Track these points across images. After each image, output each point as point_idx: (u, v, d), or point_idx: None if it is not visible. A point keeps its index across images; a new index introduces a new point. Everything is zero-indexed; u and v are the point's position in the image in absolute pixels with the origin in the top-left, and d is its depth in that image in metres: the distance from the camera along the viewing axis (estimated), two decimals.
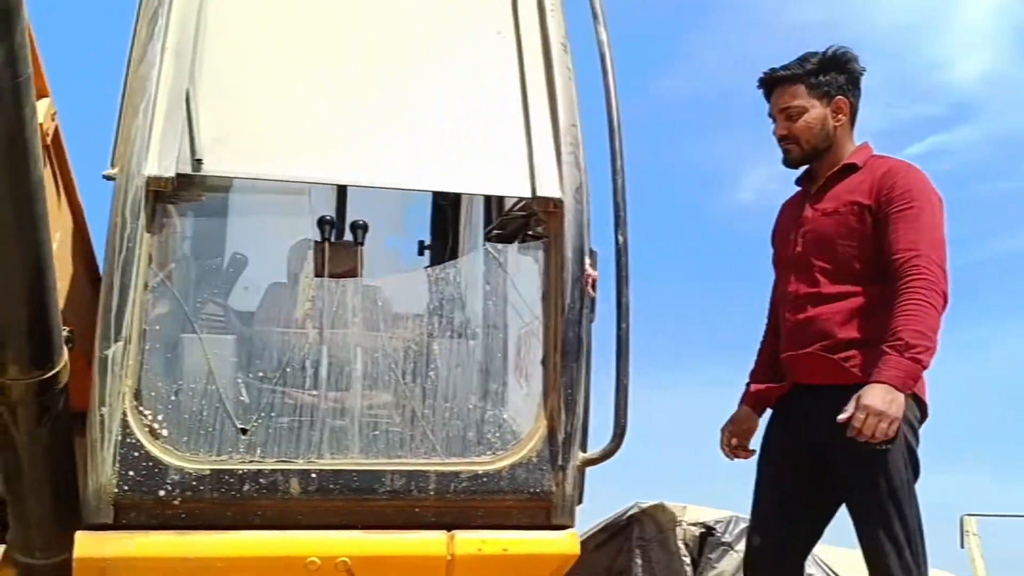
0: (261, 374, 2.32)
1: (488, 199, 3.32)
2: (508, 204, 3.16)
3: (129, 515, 2.18)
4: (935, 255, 2.83)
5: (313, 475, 2.25)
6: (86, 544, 2.14)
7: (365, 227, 2.80)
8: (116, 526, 2.17)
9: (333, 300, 2.41)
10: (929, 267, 2.79)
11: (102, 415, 2.17)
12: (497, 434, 2.39)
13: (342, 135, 2.48)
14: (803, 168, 3.17)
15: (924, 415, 2.90)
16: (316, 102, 2.52)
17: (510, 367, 2.50)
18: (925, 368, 2.77)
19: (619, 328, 2.48)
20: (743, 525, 5.88)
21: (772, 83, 3.16)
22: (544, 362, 2.42)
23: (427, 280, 2.50)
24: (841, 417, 2.68)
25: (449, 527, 2.30)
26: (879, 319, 2.82)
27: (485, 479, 2.32)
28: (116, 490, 2.17)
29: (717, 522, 5.73)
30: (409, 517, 2.30)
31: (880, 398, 2.66)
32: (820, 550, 6.21)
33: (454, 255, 3.63)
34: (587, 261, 2.47)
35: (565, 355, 2.38)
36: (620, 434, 2.43)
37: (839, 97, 3.10)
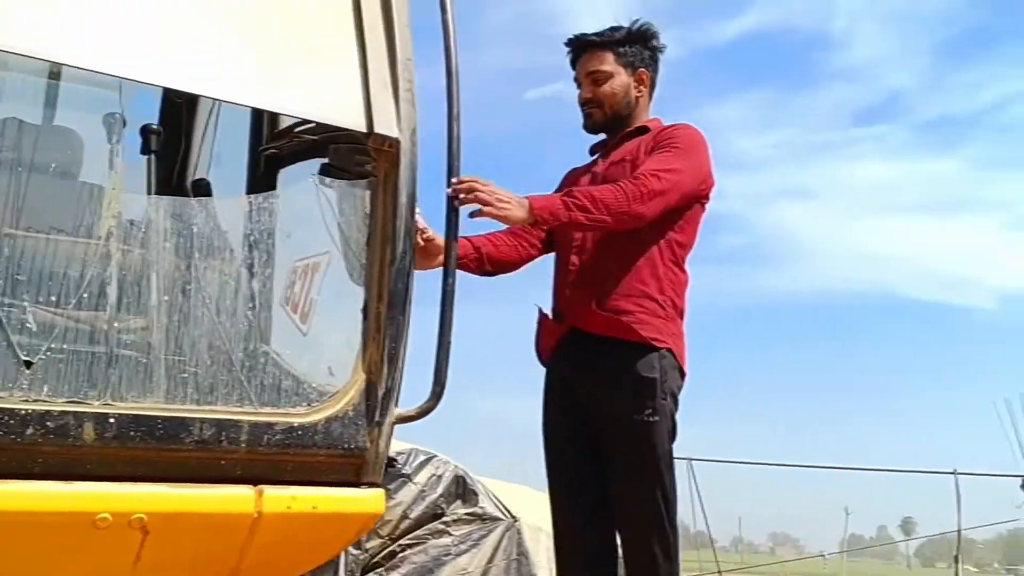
0: (53, 298, 1.99)
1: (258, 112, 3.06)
2: (286, 122, 2.96)
3: None
4: (663, 175, 2.93)
5: (111, 420, 1.96)
6: None
7: (159, 133, 2.48)
8: None
9: (140, 217, 2.12)
10: (644, 180, 2.91)
11: None
12: (313, 384, 2.24)
13: (157, 34, 2.16)
14: (599, 138, 3.26)
15: (683, 381, 3.04)
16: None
17: (328, 313, 2.35)
18: (561, 221, 2.85)
19: (445, 283, 2.43)
20: (422, 458, 6.09)
21: (581, 47, 3.20)
22: (365, 311, 2.29)
23: (247, 208, 2.27)
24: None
25: (256, 482, 2.12)
26: (655, 274, 2.98)
27: (300, 432, 2.16)
28: None
29: (398, 454, 5.87)
30: (215, 470, 2.07)
31: (510, 197, 2.76)
32: (493, 485, 6.59)
33: (186, 157, 3.29)
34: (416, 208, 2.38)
35: (391, 306, 2.27)
36: (439, 392, 2.37)
37: (642, 69, 3.21)
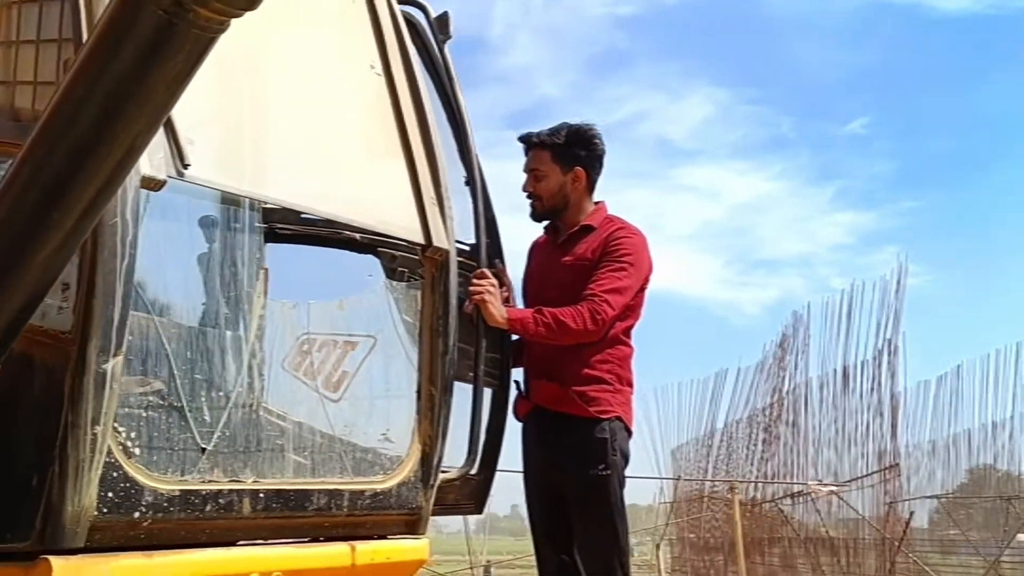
0: (221, 394, 2.34)
1: None
2: None
3: (100, 537, 2.09)
4: (612, 300, 3.61)
5: (260, 494, 2.37)
6: (64, 571, 2.00)
7: None
8: (87, 549, 2.06)
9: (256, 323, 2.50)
10: (599, 305, 3.58)
11: (95, 434, 2.03)
12: (388, 457, 2.73)
13: (283, 160, 2.55)
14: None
15: (630, 436, 3.77)
16: (244, 124, 2.53)
17: (392, 394, 2.83)
18: (528, 333, 3.55)
19: (475, 368, 2.98)
20: None
21: (528, 145, 3.82)
22: (419, 393, 2.81)
23: (341, 309, 2.70)
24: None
25: (349, 539, 2.59)
26: (605, 358, 3.65)
27: (381, 497, 2.66)
28: (96, 512, 2.06)
29: None
30: (324, 531, 2.54)
31: (496, 307, 3.39)
32: None
33: None
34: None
35: (443, 390, 2.81)
36: (474, 458, 2.94)
37: (578, 168, 3.82)
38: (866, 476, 14.54)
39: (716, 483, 19.26)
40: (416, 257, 2.84)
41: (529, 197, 3.86)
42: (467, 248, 3.36)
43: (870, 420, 14.70)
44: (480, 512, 3.36)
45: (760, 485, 18.54)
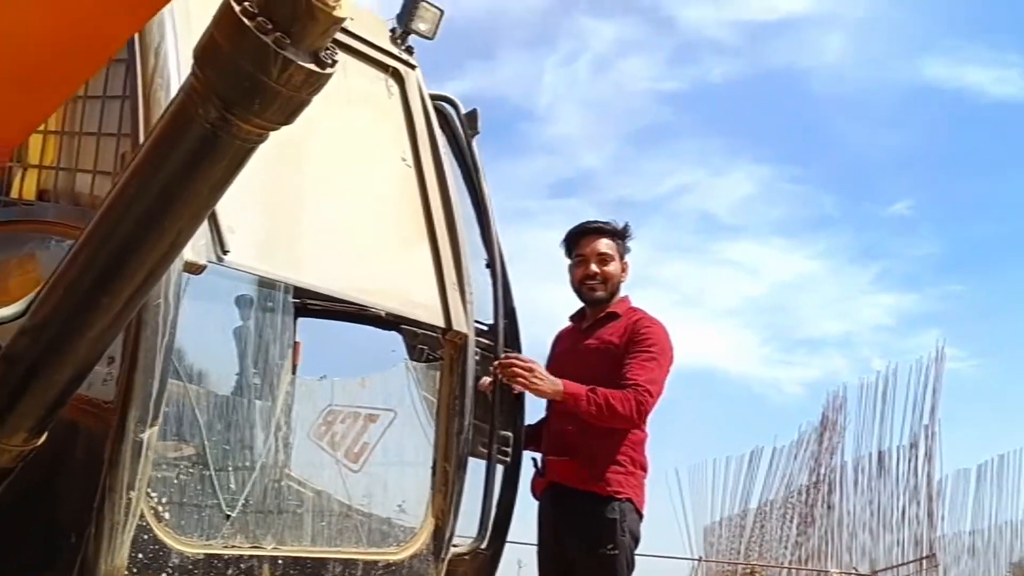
0: (247, 463, 2.52)
1: None
2: None
3: None
4: (652, 388, 3.79)
5: (280, 561, 2.53)
6: None
7: None
8: None
9: (284, 395, 2.69)
10: (642, 396, 3.75)
11: (129, 499, 2.22)
12: (402, 528, 2.89)
13: (316, 245, 2.77)
14: (579, 308, 4.08)
15: (641, 520, 3.90)
16: (280, 210, 2.76)
17: (406, 469, 3.00)
18: (579, 409, 3.67)
19: (489, 446, 3.15)
20: None
21: (590, 232, 4.02)
22: (434, 468, 2.97)
23: (363, 386, 2.89)
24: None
25: None
26: (621, 443, 3.81)
27: (393, 568, 2.81)
28: (127, 572, 2.23)
29: None
30: None
31: (552, 383, 3.60)
32: None
33: None
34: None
35: (459, 467, 2.98)
36: (485, 533, 3.09)
37: (626, 260, 4.07)
38: (902, 565, 14.34)
39: (744, 565, 19.03)
40: (437, 337, 3.02)
41: (591, 280, 4.03)
42: (485, 328, 3.54)
43: (906, 506, 14.53)
44: None
45: (795, 572, 18.32)
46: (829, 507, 17.10)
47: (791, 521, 18.94)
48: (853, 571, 14.50)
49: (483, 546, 3.39)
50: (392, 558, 2.81)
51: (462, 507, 3.02)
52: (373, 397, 2.92)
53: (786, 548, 18.82)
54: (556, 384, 3.62)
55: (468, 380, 3.03)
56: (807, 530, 17.92)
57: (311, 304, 3.28)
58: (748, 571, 11.04)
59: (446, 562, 2.96)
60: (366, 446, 2.85)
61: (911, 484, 14.53)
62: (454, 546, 3.05)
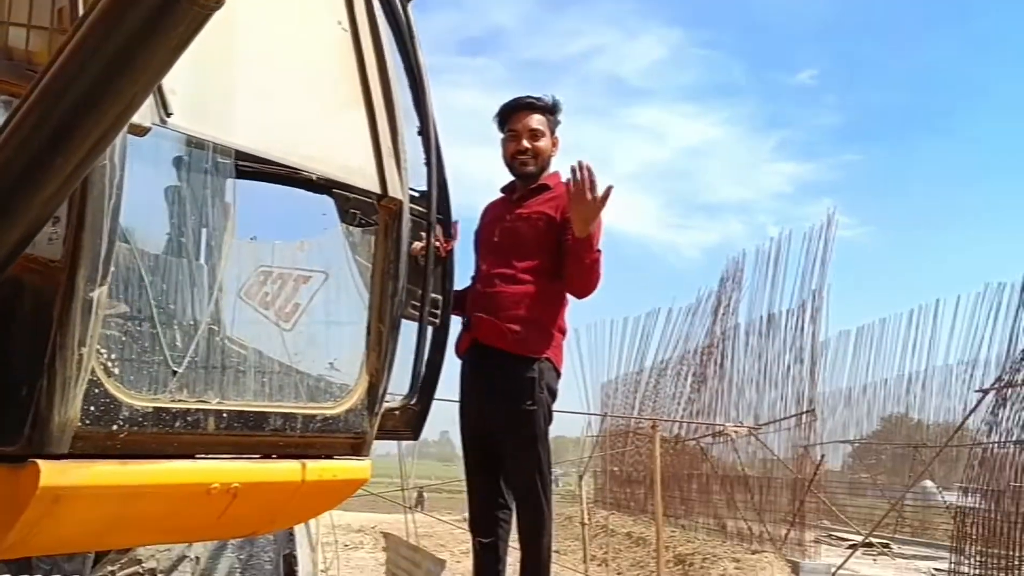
0: (190, 322, 2.58)
1: None
2: None
3: (82, 445, 2.33)
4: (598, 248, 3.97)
5: (224, 414, 2.62)
6: (51, 473, 2.25)
7: None
8: (69, 456, 2.30)
9: (223, 256, 2.73)
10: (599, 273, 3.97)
11: (80, 355, 2.27)
12: (338, 385, 2.99)
13: (252, 109, 2.77)
14: (510, 181, 4.16)
15: (559, 378, 4.14)
16: (216, 74, 2.73)
17: (342, 329, 3.09)
18: (589, 249, 3.91)
19: (422, 307, 3.25)
20: None
21: (522, 107, 4.11)
22: (368, 329, 3.07)
23: (302, 249, 2.94)
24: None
25: (301, 457, 2.87)
26: (545, 305, 3.96)
27: (330, 421, 2.93)
28: (79, 423, 2.30)
29: None
30: (279, 450, 2.81)
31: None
32: None
33: None
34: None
35: (392, 328, 3.08)
36: (415, 390, 3.23)
37: (556, 136, 4.19)
38: (783, 419, 15.18)
39: (641, 420, 19.93)
40: (371, 203, 3.08)
41: (522, 155, 4.14)
42: (417, 195, 3.61)
43: (791, 365, 15.29)
44: (417, 439, 3.66)
45: (686, 425, 19.23)
46: (721, 366, 17.93)
47: (685, 379, 19.83)
48: (739, 424, 15.30)
49: (413, 402, 3.54)
50: (329, 412, 2.93)
51: (395, 366, 3.14)
52: (307, 260, 2.98)
53: (678, 404, 19.75)
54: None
55: (402, 245, 3.11)
56: (699, 388, 18.79)
57: (246, 167, 3.30)
58: (651, 424, 11.60)
59: (379, 416, 3.09)
60: (298, 307, 2.92)
61: (797, 344, 15.24)
62: (386, 402, 3.18)
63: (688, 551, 14.80)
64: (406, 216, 3.13)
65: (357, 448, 3.05)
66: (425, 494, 31.06)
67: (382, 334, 3.07)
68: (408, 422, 3.59)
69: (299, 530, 6.34)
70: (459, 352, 4.19)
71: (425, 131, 3.38)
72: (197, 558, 5.77)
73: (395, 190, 3.08)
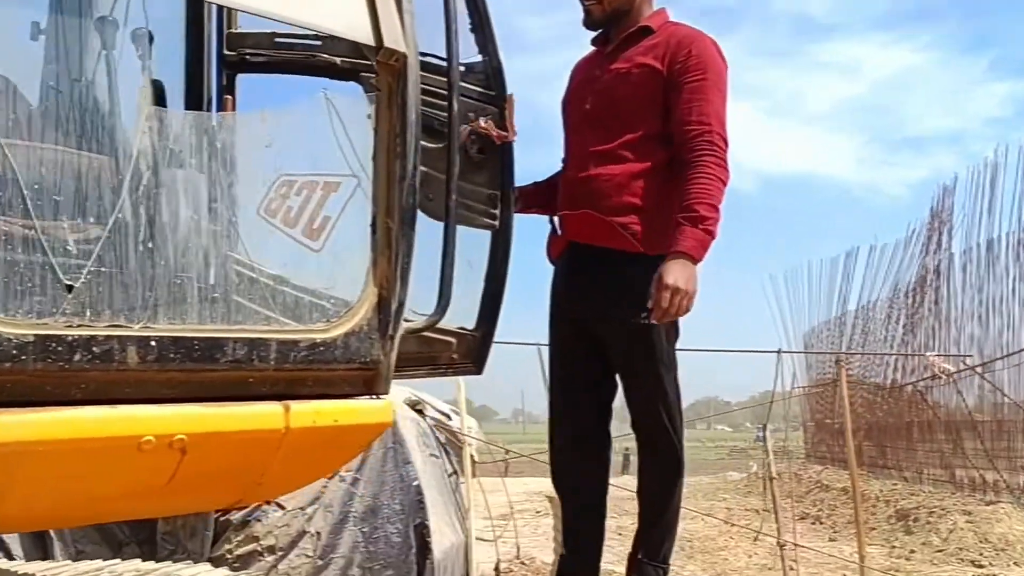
0: (91, 220, 1.91)
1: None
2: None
3: None
4: (723, 130, 3.01)
5: (152, 343, 1.94)
6: None
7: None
8: None
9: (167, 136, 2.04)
10: (719, 143, 2.97)
11: None
12: (331, 301, 2.27)
13: None
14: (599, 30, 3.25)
15: None
16: None
17: (340, 230, 2.36)
18: (714, 238, 2.95)
19: (447, 198, 2.48)
20: None
21: None
22: (374, 226, 2.32)
23: (260, 122, 2.23)
24: (649, 306, 2.87)
25: (282, 397, 2.16)
26: (659, 186, 3.03)
27: (321, 348, 2.20)
28: None
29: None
30: (245, 388, 2.10)
31: (680, 275, 2.86)
32: None
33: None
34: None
35: (401, 222, 2.31)
36: (445, 305, 2.46)
37: None
38: (1012, 355, 13.44)
39: (851, 364, 18.35)
40: (365, 61, 2.32)
41: (587, 1, 3.18)
42: (464, 68, 2.85)
43: (1017, 290, 13.53)
44: (480, 372, 2.87)
45: (902, 368, 17.59)
46: (936, 303, 16.21)
47: (896, 321, 18.12)
48: (955, 356, 13.70)
49: (473, 327, 2.79)
50: (320, 336, 2.19)
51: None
52: (278, 133, 2.26)
53: (890, 347, 18.07)
54: (685, 268, 2.90)
55: (410, 112, 2.32)
56: (914, 329, 17.10)
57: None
58: (835, 360, 10.35)
59: (395, 339, 2.33)
60: (269, 195, 2.21)
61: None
62: (408, 320, 2.42)
63: (912, 504, 13.38)
64: (413, 74, 2.33)
65: (369, 383, 2.31)
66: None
67: (391, 232, 2.30)
68: (468, 352, 2.83)
69: (434, 495, 5.74)
70: (551, 257, 3.36)
71: None
72: (318, 533, 5.26)
73: (395, 40, 2.30)
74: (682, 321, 3.12)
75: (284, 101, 3.16)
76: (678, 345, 3.22)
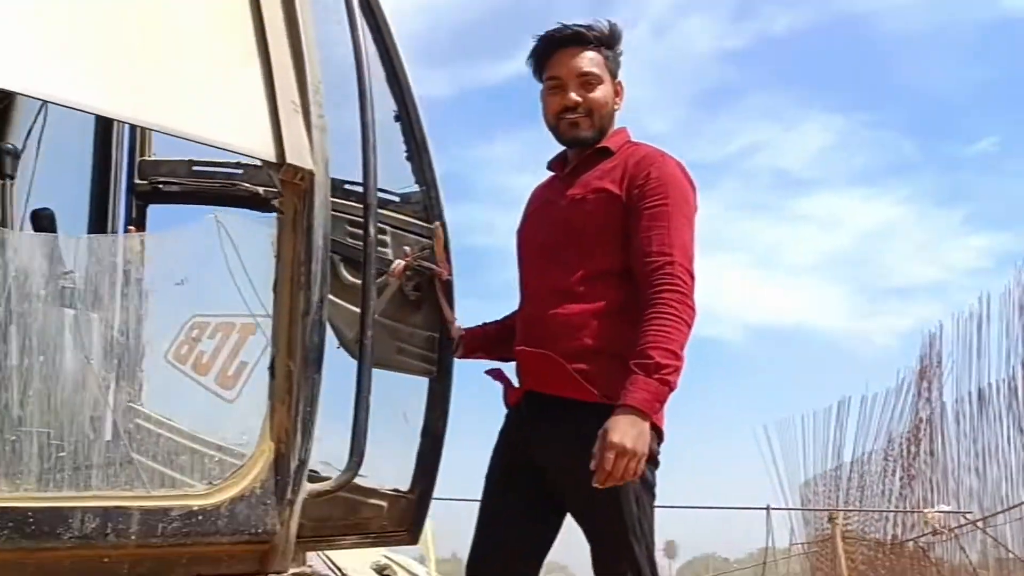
0: None
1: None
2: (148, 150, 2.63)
3: None
4: (686, 261, 2.61)
5: None
6: None
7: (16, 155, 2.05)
8: None
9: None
10: (681, 277, 2.57)
11: None
12: (215, 459, 1.89)
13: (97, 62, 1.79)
14: (559, 152, 2.85)
15: (661, 441, 2.67)
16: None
17: (230, 373, 2.00)
18: (673, 390, 2.52)
19: (362, 335, 2.13)
20: None
21: (567, 41, 2.74)
22: (272, 369, 1.96)
23: (135, 248, 1.90)
24: (592, 466, 2.38)
25: None
26: (622, 327, 2.58)
27: (200, 517, 1.80)
28: None
29: None
30: (97, 570, 1.70)
31: (627, 433, 2.41)
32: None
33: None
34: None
35: (305, 363, 1.95)
36: (358, 461, 2.06)
37: (619, 80, 2.81)
38: (1014, 507, 12.90)
39: (849, 520, 17.67)
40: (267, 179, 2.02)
41: (570, 112, 2.74)
42: (396, 199, 2.57)
43: (1012, 438, 13.11)
44: (415, 542, 2.45)
45: (902, 523, 16.98)
46: (931, 454, 15.74)
47: (893, 474, 17.57)
48: (952, 512, 13.14)
49: (405, 489, 2.39)
50: (197, 503, 1.80)
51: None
52: (155, 260, 1.93)
53: (888, 502, 17.47)
54: (634, 424, 2.44)
55: (316, 237, 2.00)
56: (911, 483, 16.57)
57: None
58: (829, 516, 9.80)
59: (296, 505, 1.94)
60: (134, 335, 1.86)
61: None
62: (315, 480, 2.03)
63: None
64: (321, 193, 2.02)
65: (265, 559, 1.91)
66: None
67: (292, 375, 1.94)
68: (400, 518, 2.43)
69: None
70: (509, 404, 2.80)
71: (403, 115, 2.31)
72: None
73: (299, 157, 2.00)
74: (665, 475, 2.68)
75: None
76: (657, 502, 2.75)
